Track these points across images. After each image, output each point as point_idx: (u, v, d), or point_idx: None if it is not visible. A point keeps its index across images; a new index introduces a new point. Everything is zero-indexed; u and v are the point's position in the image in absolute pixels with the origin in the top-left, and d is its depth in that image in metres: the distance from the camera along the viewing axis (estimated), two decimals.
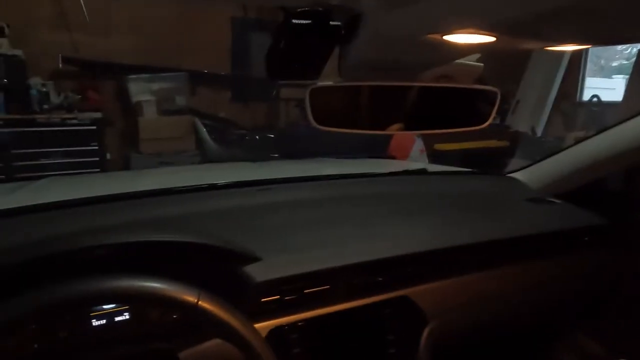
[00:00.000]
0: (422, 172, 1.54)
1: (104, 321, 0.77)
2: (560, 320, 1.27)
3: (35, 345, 0.72)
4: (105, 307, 0.77)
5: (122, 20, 4.01)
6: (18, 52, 3.60)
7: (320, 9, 0.45)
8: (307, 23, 0.46)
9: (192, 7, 4.20)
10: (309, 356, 0.86)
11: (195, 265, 0.76)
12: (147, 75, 4.23)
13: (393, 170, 1.62)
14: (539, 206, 1.26)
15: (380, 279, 0.91)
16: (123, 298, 0.65)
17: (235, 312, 0.66)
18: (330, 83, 0.56)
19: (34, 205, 1.10)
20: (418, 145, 2.58)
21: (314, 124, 0.55)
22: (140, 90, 4.24)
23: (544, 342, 1.29)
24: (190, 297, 0.63)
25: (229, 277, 0.77)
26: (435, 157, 3.10)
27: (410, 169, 1.55)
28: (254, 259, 0.81)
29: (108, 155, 4.02)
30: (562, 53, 4.73)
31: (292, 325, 0.83)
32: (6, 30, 3.53)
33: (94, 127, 3.86)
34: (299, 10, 0.44)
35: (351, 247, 0.93)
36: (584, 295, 1.23)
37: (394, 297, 0.93)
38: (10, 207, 1.01)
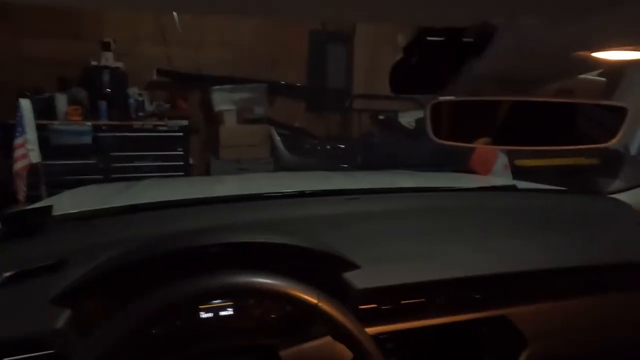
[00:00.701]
0: (512, 188, 1.48)
1: (211, 314, 0.83)
2: None
3: (153, 331, 0.80)
4: (213, 302, 0.83)
5: (210, 36, 4.31)
6: (120, 64, 3.99)
7: (454, 25, 0.47)
8: (441, 40, 0.48)
9: (274, 22, 4.42)
10: None
11: (301, 268, 0.80)
12: (229, 86, 4.49)
13: (478, 185, 1.58)
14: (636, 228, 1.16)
15: (479, 295, 0.89)
16: (253, 292, 0.70)
17: (350, 315, 0.69)
18: (451, 98, 0.57)
19: (149, 204, 1.22)
20: (502, 160, 2.47)
21: (433, 138, 0.56)
22: (223, 100, 4.51)
23: None
24: (312, 298, 0.66)
25: (331, 282, 0.80)
26: (516, 173, 2.95)
27: (497, 184, 1.50)
28: (354, 267, 0.83)
29: (191, 160, 4.30)
30: None
31: (388, 334, 0.84)
32: (112, 45, 3.93)
33: (181, 134, 4.16)
34: (435, 28, 0.46)
35: (449, 260, 0.93)
36: None
37: (493, 315, 0.90)
38: (129, 203, 1.13)
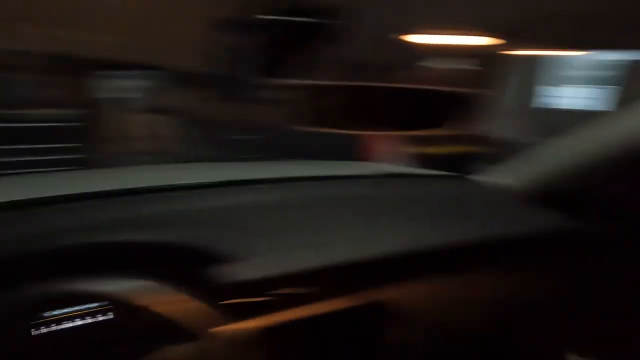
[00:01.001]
0: (390, 175, 1.54)
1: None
2: (536, 330, 1.29)
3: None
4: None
5: (90, 17, 3.95)
6: None
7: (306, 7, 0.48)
8: (296, 20, 0.49)
9: (175, 7, 4.18)
10: (287, 357, 0.89)
11: (176, 264, 0.78)
12: (131, 73, 4.19)
13: (363, 173, 1.63)
14: (504, 209, 1.29)
15: (350, 282, 0.94)
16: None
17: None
18: (310, 82, 0.59)
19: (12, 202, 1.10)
20: (387, 146, 2.61)
21: (298, 126, 0.58)
22: (122, 87, 4.21)
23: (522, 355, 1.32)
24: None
25: (207, 276, 0.79)
26: (418, 161, 3.15)
27: (376, 172, 1.56)
28: (229, 258, 0.83)
29: (89, 154, 3.96)
30: (535, 60, 4.87)
31: (270, 326, 0.85)
32: None
33: (77, 124, 3.81)
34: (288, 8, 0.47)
35: (331, 248, 0.96)
36: (553, 305, 1.26)
37: (367, 302, 0.96)
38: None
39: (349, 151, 2.67)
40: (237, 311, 0.78)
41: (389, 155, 2.55)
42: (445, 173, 1.62)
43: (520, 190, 1.30)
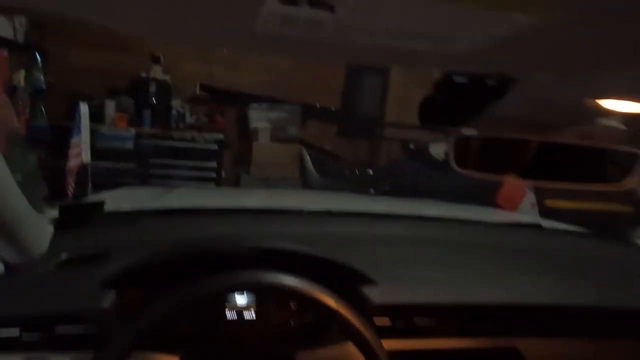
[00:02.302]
0: (536, 226, 1.50)
1: (234, 315, 0.90)
2: None
3: (181, 325, 0.87)
4: (237, 301, 0.90)
5: (251, 58, 4.52)
6: (167, 77, 4.22)
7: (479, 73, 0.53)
8: (465, 81, 0.55)
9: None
10: None
11: (322, 279, 0.85)
12: (265, 105, 4.66)
13: (502, 220, 1.61)
14: None
15: (491, 324, 0.92)
16: (278, 291, 0.75)
17: (367, 323, 0.74)
18: (473, 133, 0.63)
19: (184, 209, 1.31)
20: (529, 198, 2.48)
21: (455, 167, 0.62)
22: (258, 117, 4.68)
23: None
24: (331, 302, 0.72)
25: (350, 294, 0.85)
26: (546, 213, 2.93)
27: (521, 221, 1.52)
28: (372, 282, 0.89)
29: (223, 173, 4.45)
30: None
31: (400, 352, 0.88)
32: (162, 60, 4.18)
33: (216, 147, 4.33)
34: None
35: (465, 288, 0.96)
36: None
37: (503, 346, 0.93)
38: (171, 207, 1.23)
39: (480, 195, 2.59)
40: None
41: (523, 206, 2.43)
42: (591, 232, 1.50)
43: None
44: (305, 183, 4.62)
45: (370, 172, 4.80)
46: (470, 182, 3.25)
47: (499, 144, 0.63)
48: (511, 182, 2.48)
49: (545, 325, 0.96)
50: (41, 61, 3.51)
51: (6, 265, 0.82)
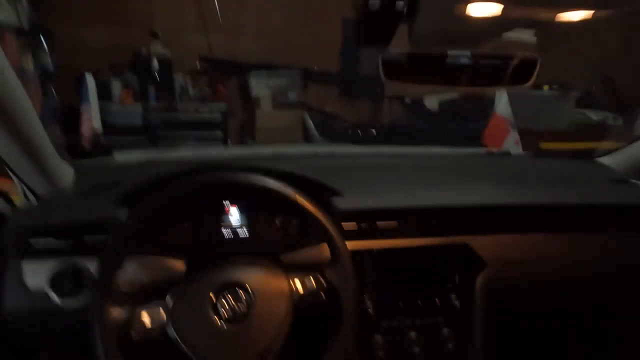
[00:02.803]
0: (506, 154, 1.64)
1: (229, 231, 1.07)
2: (625, 299, 1.28)
3: (185, 240, 1.04)
4: (230, 221, 1.07)
5: (247, 24, 4.59)
6: (167, 51, 4.35)
7: None
8: (380, 4, 0.69)
9: (309, 10, 4.64)
10: (377, 279, 1.07)
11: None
12: (265, 72, 4.76)
13: (477, 152, 1.74)
14: (620, 185, 1.30)
15: (445, 223, 1.08)
16: (248, 187, 0.89)
17: (324, 212, 0.90)
18: (399, 50, 0.77)
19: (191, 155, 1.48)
20: (512, 136, 2.59)
21: (384, 78, 0.77)
22: (259, 85, 4.79)
23: (606, 321, 1.32)
24: (291, 193, 0.89)
25: (318, 203, 1.01)
26: (541, 156, 3.04)
27: (493, 151, 1.66)
28: (338, 194, 1.05)
29: (229, 142, 4.62)
30: None
31: (365, 251, 1.05)
32: (160, 35, 4.29)
33: (220, 117, 4.48)
34: None
35: (423, 195, 1.12)
36: None
37: (455, 242, 1.09)
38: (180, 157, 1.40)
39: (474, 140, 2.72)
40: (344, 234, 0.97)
41: (507, 143, 2.55)
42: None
43: (625, 170, 1.33)
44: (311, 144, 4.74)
45: (373, 131, 4.90)
46: (462, 130, 3.36)
47: (422, 57, 0.77)
48: (494, 123, 2.60)
49: (492, 223, 1.12)
50: (46, 42, 3.65)
51: (36, 195, 1.01)
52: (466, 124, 3.13)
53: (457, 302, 1.08)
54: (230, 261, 0.89)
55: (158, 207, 0.84)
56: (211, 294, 0.82)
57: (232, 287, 0.82)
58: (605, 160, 1.47)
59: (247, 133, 4.88)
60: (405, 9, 0.68)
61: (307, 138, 4.80)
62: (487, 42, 0.84)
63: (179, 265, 0.91)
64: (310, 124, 4.85)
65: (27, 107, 0.86)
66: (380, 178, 1.26)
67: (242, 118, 4.94)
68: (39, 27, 3.68)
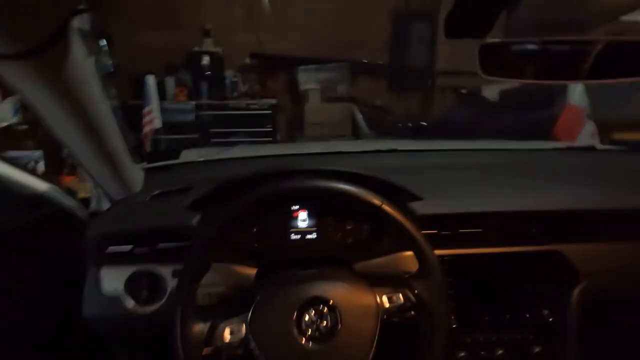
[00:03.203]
0: (590, 148, 1.49)
1: (299, 237, 1.03)
2: None
3: (255, 245, 1.01)
4: (300, 225, 1.02)
5: (294, 20, 4.57)
6: (218, 49, 4.41)
7: None
8: None
9: (356, 3, 4.54)
10: (460, 290, 0.99)
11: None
12: (313, 66, 4.72)
13: (556, 146, 1.60)
14: None
15: (534, 230, 0.98)
16: (330, 193, 0.85)
17: (412, 220, 0.83)
18: (498, 40, 0.68)
19: (246, 156, 1.46)
20: (589, 128, 2.38)
21: (482, 74, 0.68)
22: (308, 79, 4.76)
23: None
24: (377, 201, 0.83)
25: (398, 208, 0.95)
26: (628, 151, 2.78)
27: (575, 145, 1.52)
28: (418, 198, 0.98)
29: (278, 136, 4.63)
30: None
31: (447, 257, 0.97)
32: (211, 32, 4.35)
33: (270, 112, 4.50)
34: None
35: (508, 198, 1.02)
36: None
37: (547, 250, 0.99)
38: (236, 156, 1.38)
39: (538, 131, 2.54)
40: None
41: (583, 135, 2.35)
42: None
43: None
44: (358, 139, 4.67)
45: (424, 123, 4.74)
46: (527, 121, 3.15)
47: (527, 48, 0.68)
48: (568, 114, 2.39)
49: (586, 229, 1.00)
50: (106, 45, 3.80)
51: (111, 200, 1.01)
52: (532, 115, 2.91)
53: (549, 317, 0.98)
54: (309, 274, 0.84)
55: (235, 215, 0.80)
56: (294, 312, 0.77)
57: (316, 303, 0.78)
58: None
59: (297, 127, 4.87)
60: None
61: (357, 132, 4.73)
62: (597, 30, 0.74)
63: (251, 271, 0.88)
64: (360, 117, 4.77)
65: (106, 110, 0.85)
66: (454, 178, 1.17)
67: (291, 113, 4.94)
68: (100, 30, 3.83)
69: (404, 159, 1.43)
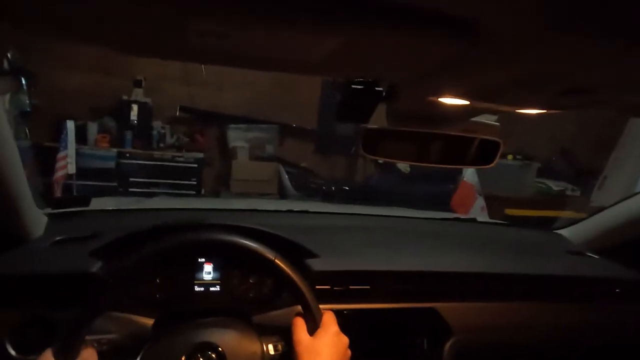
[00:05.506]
0: (472, 220, 1.72)
1: (202, 289, 1.07)
2: None
3: (157, 296, 1.03)
4: (204, 278, 1.07)
5: (229, 78, 4.75)
6: (148, 99, 4.42)
7: (370, 80, 0.75)
8: (361, 88, 0.76)
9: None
10: (351, 340, 1.08)
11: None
12: (244, 125, 4.88)
13: (444, 216, 1.82)
14: (576, 258, 1.38)
15: (415, 288, 1.11)
16: (225, 245, 0.89)
17: (302, 276, 0.92)
18: (377, 126, 0.84)
19: (160, 208, 1.49)
20: (479, 203, 2.72)
21: (365, 154, 0.83)
22: (237, 137, 4.88)
23: None
24: (270, 255, 0.91)
25: (294, 264, 1.03)
26: (505, 224, 3.19)
27: (460, 216, 1.75)
28: (314, 255, 1.08)
29: (203, 191, 4.61)
30: None
31: (338, 312, 1.06)
32: (143, 83, 4.38)
33: (196, 165, 4.50)
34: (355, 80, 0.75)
35: (395, 259, 1.16)
36: (610, 343, 1.30)
37: (425, 307, 1.12)
38: (152, 207, 1.41)
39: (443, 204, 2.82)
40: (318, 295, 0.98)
41: (474, 209, 2.67)
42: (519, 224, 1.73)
43: (581, 242, 1.42)
44: (283, 199, 4.80)
45: (347, 187, 5.02)
46: (432, 192, 3.48)
47: (397, 135, 0.85)
48: (462, 189, 2.74)
49: (460, 290, 1.16)
50: (26, 84, 3.66)
51: (8, 243, 0.99)
52: (436, 187, 3.27)
53: None
54: (203, 322, 0.88)
55: (135, 265, 0.84)
56: (182, 357, 0.80)
57: (204, 348, 0.81)
58: (564, 232, 1.56)
59: (223, 183, 4.89)
60: (384, 93, 0.75)
61: (282, 191, 4.86)
62: (457, 124, 0.93)
63: (148, 321, 0.89)
64: (286, 177, 4.93)
65: (9, 148, 0.87)
66: (354, 239, 1.29)
67: (218, 168, 4.97)
68: (20, 68, 3.70)
69: (314, 219, 1.55)
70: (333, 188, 5.00)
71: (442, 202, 2.94)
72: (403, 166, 4.18)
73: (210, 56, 0.58)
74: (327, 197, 4.75)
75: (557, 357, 1.29)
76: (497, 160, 0.87)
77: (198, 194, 4.48)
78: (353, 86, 0.77)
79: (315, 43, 0.46)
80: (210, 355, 0.81)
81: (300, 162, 5.24)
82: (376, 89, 0.77)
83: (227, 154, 4.89)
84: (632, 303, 1.26)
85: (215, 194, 4.83)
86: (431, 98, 0.69)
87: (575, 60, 0.48)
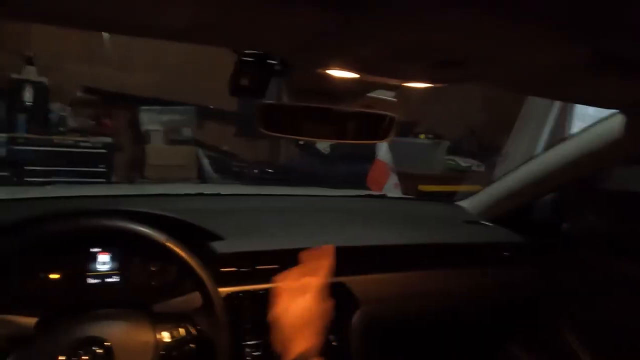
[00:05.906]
0: (382, 196, 1.78)
1: (97, 281, 0.99)
2: (486, 325, 1.45)
3: (42, 292, 0.93)
4: (99, 269, 0.99)
5: (140, 58, 4.42)
6: (43, 79, 3.97)
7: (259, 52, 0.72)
8: (251, 60, 0.73)
9: (208, 48, 4.63)
10: (257, 323, 1.07)
11: (174, 236, 0.97)
12: (157, 107, 4.59)
13: (357, 193, 1.87)
14: (471, 226, 1.49)
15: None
16: (116, 231, 0.85)
17: (195, 257, 0.88)
18: (272, 102, 0.82)
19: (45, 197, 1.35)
20: (392, 179, 2.84)
21: (262, 129, 0.80)
22: (150, 120, 4.58)
23: (472, 345, 1.47)
24: (161, 238, 0.86)
25: (197, 248, 0.99)
26: (412, 199, 3.38)
27: (371, 193, 1.80)
28: (219, 238, 1.04)
29: (114, 178, 4.29)
30: (551, 105, 5.06)
31: (245, 293, 1.04)
32: (34, 60, 3.92)
33: (105, 151, 4.16)
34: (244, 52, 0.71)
35: (305, 238, 1.16)
36: (506, 305, 1.43)
37: (333, 282, 1.14)
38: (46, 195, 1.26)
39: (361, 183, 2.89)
40: (224, 278, 0.95)
41: (388, 186, 2.78)
42: (424, 198, 1.82)
43: (477, 212, 1.54)
44: (204, 183, 4.63)
45: (269, 170, 4.97)
46: (350, 172, 3.58)
47: (293, 110, 0.83)
48: (376, 167, 2.83)
49: (367, 263, 1.19)
50: None
51: None
52: (355, 166, 3.35)
53: (334, 342, 1.12)
54: (89, 315, 0.81)
55: (5, 258, 0.74)
56: (60, 356, 0.73)
57: (87, 344, 0.75)
58: (463, 203, 1.67)
59: (136, 170, 4.59)
60: (278, 66, 0.73)
61: (202, 176, 4.68)
62: (357, 100, 0.94)
63: (30, 321, 0.81)
64: (206, 161, 4.75)
65: None
66: (264, 220, 1.28)
67: (131, 153, 4.65)
68: None
69: (226, 202, 1.50)
70: (255, 171, 4.93)
71: (361, 180, 3.02)
72: (323, 146, 4.22)
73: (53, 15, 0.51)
74: (251, 181, 4.68)
75: (459, 321, 1.40)
76: (392, 134, 0.89)
77: (108, 182, 4.16)
78: (243, 58, 0.73)
79: (170, 3, 0.42)
80: (94, 351, 0.75)
81: (221, 145, 5.07)
82: (268, 61, 0.74)
83: (140, 138, 4.57)
84: (518, 265, 1.39)
85: (130, 182, 4.53)
86: (321, 71, 0.68)
87: (449, 31, 0.48)
